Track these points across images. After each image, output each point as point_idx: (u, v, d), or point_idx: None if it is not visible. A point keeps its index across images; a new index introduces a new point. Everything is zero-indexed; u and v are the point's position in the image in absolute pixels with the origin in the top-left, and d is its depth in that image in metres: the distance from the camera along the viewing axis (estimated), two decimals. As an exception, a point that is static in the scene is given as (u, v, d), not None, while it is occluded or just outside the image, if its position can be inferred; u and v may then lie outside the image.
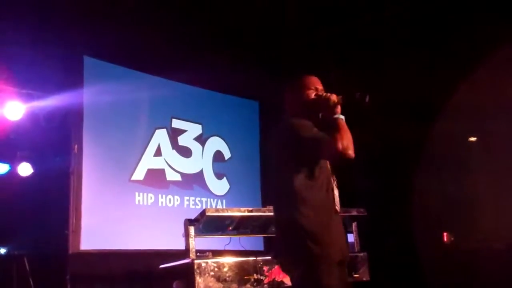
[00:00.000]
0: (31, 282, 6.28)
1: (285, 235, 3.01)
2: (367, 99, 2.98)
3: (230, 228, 5.17)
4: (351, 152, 2.89)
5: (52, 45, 6.32)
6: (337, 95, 3.04)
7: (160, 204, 7.20)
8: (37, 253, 6.40)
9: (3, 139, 6.75)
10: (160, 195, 7.23)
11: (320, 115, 3.09)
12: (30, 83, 6.59)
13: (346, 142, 2.87)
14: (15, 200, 6.43)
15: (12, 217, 6.37)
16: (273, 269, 4.72)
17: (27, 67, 6.39)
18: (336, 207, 3.07)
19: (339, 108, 3.01)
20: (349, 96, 3.02)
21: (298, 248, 2.91)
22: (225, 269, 4.57)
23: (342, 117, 3.00)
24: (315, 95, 3.12)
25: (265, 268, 4.71)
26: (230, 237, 5.33)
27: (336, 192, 3.09)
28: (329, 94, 3.05)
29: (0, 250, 6.27)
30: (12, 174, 6.77)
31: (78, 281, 6.46)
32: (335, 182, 3.12)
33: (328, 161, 3.08)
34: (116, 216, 6.68)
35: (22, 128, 6.71)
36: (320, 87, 3.16)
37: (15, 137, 6.77)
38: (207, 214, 4.62)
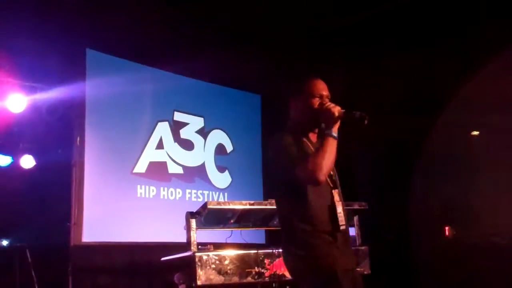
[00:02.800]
0: (33, 274, 6.31)
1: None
2: (366, 121, 2.89)
3: (232, 221, 5.18)
4: (319, 175, 2.80)
5: (55, 38, 6.31)
6: (341, 107, 2.95)
7: (162, 197, 7.21)
8: (39, 245, 6.40)
9: (5, 131, 6.76)
10: (162, 188, 7.24)
11: (323, 125, 3.01)
12: (33, 75, 6.59)
13: (320, 164, 2.81)
14: (17, 192, 6.44)
15: (15, 209, 6.38)
16: (275, 262, 4.74)
17: (30, 59, 6.39)
18: (338, 224, 2.98)
19: (337, 124, 2.93)
20: (348, 113, 2.93)
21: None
22: (226, 262, 4.58)
23: (335, 135, 2.90)
24: (318, 104, 3.02)
25: (266, 261, 4.73)
26: (232, 230, 5.34)
27: (339, 208, 3.00)
28: (332, 106, 2.96)
29: (2, 242, 6.26)
30: (14, 166, 6.77)
31: (80, 273, 6.49)
32: (336, 196, 3.03)
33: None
34: (118, 209, 6.70)
35: (25, 120, 6.71)
36: (325, 93, 3.06)
37: (17, 130, 6.77)
38: (208, 207, 4.64)
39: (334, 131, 2.90)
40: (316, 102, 3.02)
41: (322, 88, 3.06)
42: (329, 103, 2.98)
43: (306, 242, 2.90)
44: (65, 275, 6.49)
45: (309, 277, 2.90)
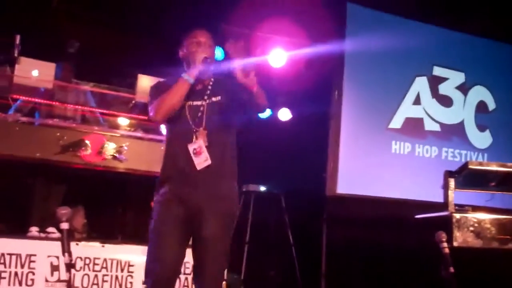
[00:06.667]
0: (286, 219, 6.70)
1: None
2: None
3: (493, 184, 4.89)
4: (154, 114, 3.03)
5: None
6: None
7: (417, 154, 7.05)
8: (294, 193, 6.77)
9: (266, 85, 7.16)
10: (417, 145, 7.07)
11: None
12: (294, 31, 6.84)
13: (159, 102, 3.02)
14: (275, 143, 6.84)
15: (273, 158, 6.79)
16: (543, 231, 4.37)
17: (291, 15, 6.64)
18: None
19: (195, 69, 3.03)
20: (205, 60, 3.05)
21: None
22: (486, 226, 4.35)
23: (187, 77, 3.02)
24: (190, 49, 3.14)
25: (532, 230, 4.38)
26: (492, 193, 5.05)
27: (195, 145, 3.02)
28: (198, 52, 3.08)
29: (260, 188, 6.71)
30: (273, 118, 7.19)
31: (333, 222, 6.72)
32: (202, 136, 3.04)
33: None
34: (372, 163, 6.72)
35: (284, 75, 7.04)
36: (202, 39, 3.15)
37: (276, 84, 7.15)
38: (469, 167, 4.44)
39: (189, 74, 3.02)
40: (193, 48, 3.11)
41: (199, 36, 3.15)
42: (196, 49, 3.08)
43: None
44: (319, 223, 6.78)
45: None
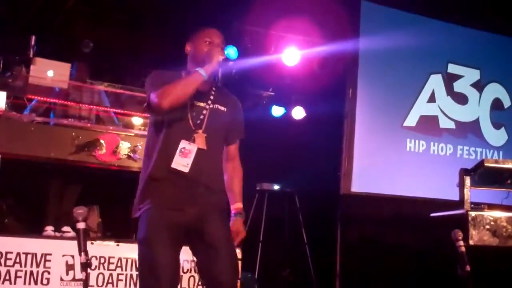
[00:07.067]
0: (300, 218, 6.69)
1: None
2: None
3: (509, 181, 4.85)
4: (160, 101, 2.77)
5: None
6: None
7: (432, 152, 7.02)
8: (308, 191, 6.76)
9: (279, 84, 7.17)
10: (432, 143, 7.04)
11: None
12: (308, 29, 6.82)
13: (168, 89, 2.79)
14: (289, 141, 6.83)
15: (286, 157, 6.78)
16: (558, 229, 4.32)
17: (306, 13, 6.62)
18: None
19: (211, 67, 2.89)
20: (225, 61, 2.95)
21: None
22: (503, 224, 4.32)
23: (203, 72, 2.86)
24: (206, 49, 3.01)
25: (548, 228, 4.34)
26: (509, 192, 5.00)
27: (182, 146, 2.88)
28: (216, 51, 2.95)
29: (274, 186, 6.71)
30: (286, 117, 7.19)
31: (348, 221, 6.70)
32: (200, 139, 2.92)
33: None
34: (387, 161, 6.72)
35: (298, 73, 7.03)
36: (217, 40, 3.05)
37: (290, 82, 7.15)
38: (485, 165, 4.41)
39: (205, 69, 2.87)
40: (205, 47, 3.00)
41: (211, 36, 3.04)
42: (214, 49, 2.96)
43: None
44: (333, 222, 6.77)
45: None
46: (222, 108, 3.02)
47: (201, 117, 2.95)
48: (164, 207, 2.83)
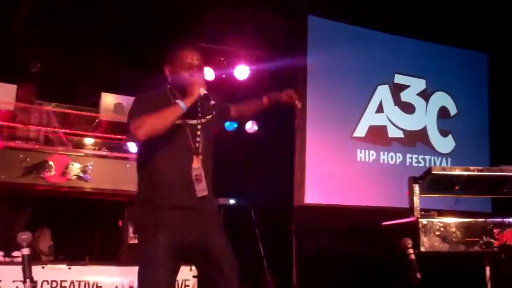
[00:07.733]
0: (256, 231, 6.70)
1: None
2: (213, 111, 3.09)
3: (457, 188, 4.95)
4: (138, 131, 2.81)
5: (276, 5, 6.49)
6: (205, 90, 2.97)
7: (382, 161, 7.13)
8: (263, 205, 6.78)
9: (231, 98, 7.19)
10: (381, 152, 7.15)
11: None
12: (258, 44, 6.89)
13: (145, 121, 2.81)
14: (243, 155, 6.85)
15: (240, 170, 6.80)
16: (505, 232, 4.43)
17: (254, 29, 6.69)
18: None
19: (192, 99, 2.91)
20: (206, 98, 2.97)
21: None
22: (452, 230, 4.40)
23: (182, 105, 2.88)
24: (186, 76, 3.03)
25: (495, 231, 4.43)
26: (456, 197, 5.11)
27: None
28: (197, 83, 2.96)
29: (229, 201, 6.71)
30: (239, 130, 7.21)
31: (302, 232, 6.73)
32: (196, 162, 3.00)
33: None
34: (339, 172, 6.77)
35: (249, 87, 7.07)
36: (195, 62, 3.06)
37: (241, 96, 7.17)
38: (433, 172, 4.48)
39: (185, 102, 2.89)
40: (185, 72, 3.00)
41: (190, 58, 3.03)
42: (195, 79, 2.97)
43: None
44: (288, 234, 6.78)
45: None
46: (210, 116, 3.12)
47: (198, 133, 3.04)
48: (177, 232, 2.90)
